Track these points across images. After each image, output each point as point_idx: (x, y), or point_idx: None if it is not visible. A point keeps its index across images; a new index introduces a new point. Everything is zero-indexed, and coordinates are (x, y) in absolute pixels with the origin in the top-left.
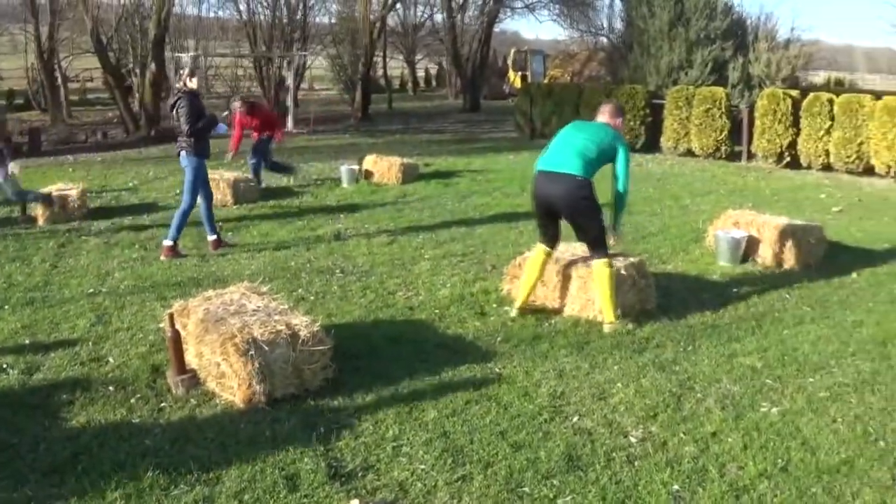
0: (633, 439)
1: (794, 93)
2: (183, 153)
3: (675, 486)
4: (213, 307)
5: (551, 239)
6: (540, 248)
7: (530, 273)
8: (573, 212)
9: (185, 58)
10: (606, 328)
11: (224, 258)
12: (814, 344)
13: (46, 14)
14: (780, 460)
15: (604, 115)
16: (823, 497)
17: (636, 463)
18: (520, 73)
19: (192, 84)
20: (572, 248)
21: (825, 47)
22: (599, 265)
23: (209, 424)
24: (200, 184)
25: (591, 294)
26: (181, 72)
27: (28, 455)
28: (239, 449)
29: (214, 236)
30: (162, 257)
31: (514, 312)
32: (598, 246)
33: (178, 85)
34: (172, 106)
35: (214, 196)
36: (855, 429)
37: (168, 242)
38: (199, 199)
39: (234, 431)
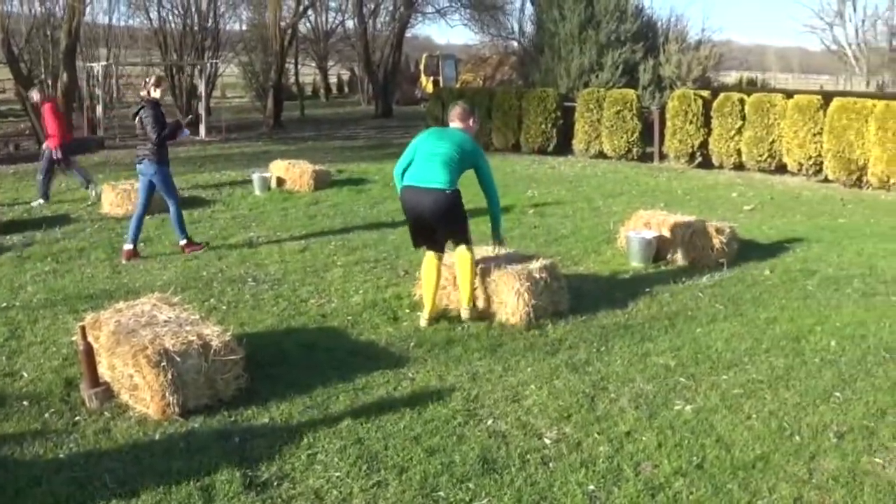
0: (547, 441)
1: (705, 93)
2: (146, 161)
3: (591, 487)
4: (125, 319)
5: (435, 245)
6: (429, 255)
7: (427, 280)
8: (443, 221)
9: (97, 67)
10: (464, 313)
11: (136, 269)
12: (727, 341)
13: None
14: (694, 458)
15: (455, 122)
16: (739, 493)
17: (551, 464)
18: (432, 78)
19: (156, 93)
20: (483, 251)
21: (737, 48)
22: (462, 250)
23: (124, 437)
24: (143, 191)
25: (503, 297)
26: (146, 80)
27: None
28: (154, 461)
29: (131, 246)
30: (187, 251)
31: (423, 322)
32: (462, 240)
33: (142, 93)
34: (135, 114)
35: (124, 206)
36: (770, 424)
37: (182, 242)
38: (141, 202)
39: (148, 443)
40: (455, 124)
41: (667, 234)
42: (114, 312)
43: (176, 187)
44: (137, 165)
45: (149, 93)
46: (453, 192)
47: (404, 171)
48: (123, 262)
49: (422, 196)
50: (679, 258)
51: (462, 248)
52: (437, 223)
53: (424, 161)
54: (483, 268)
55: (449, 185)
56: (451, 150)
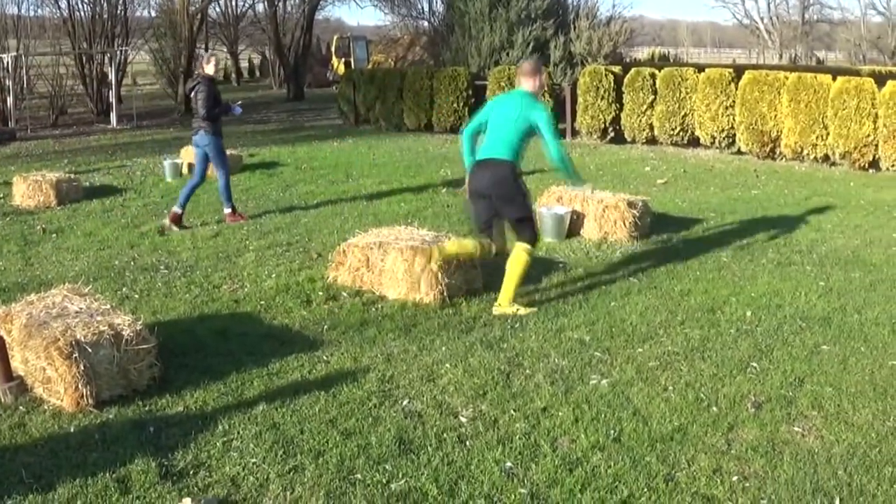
0: (463, 419)
1: (616, 69)
2: (202, 133)
3: (508, 464)
4: (36, 311)
5: (486, 230)
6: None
7: (462, 246)
8: (500, 194)
9: (7, 58)
10: (496, 310)
11: (48, 260)
12: (642, 314)
13: None
14: (612, 431)
15: (522, 80)
16: (658, 465)
17: (468, 442)
18: (343, 60)
19: (209, 70)
20: (396, 231)
21: (648, 23)
22: (519, 248)
23: (39, 431)
24: (200, 162)
25: (417, 277)
26: (200, 58)
27: None
28: (69, 454)
29: (179, 210)
30: (229, 221)
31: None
32: (523, 226)
33: (197, 70)
34: (191, 90)
35: (37, 197)
36: (686, 396)
37: (227, 211)
38: (197, 172)
39: (64, 436)
40: (525, 85)
41: (579, 209)
42: (25, 305)
43: (227, 159)
44: (193, 137)
45: (202, 69)
46: (512, 163)
47: (472, 134)
48: (166, 223)
49: (481, 169)
50: (592, 233)
51: (520, 246)
52: (494, 195)
53: (491, 133)
54: (396, 248)
55: (511, 157)
56: (517, 121)
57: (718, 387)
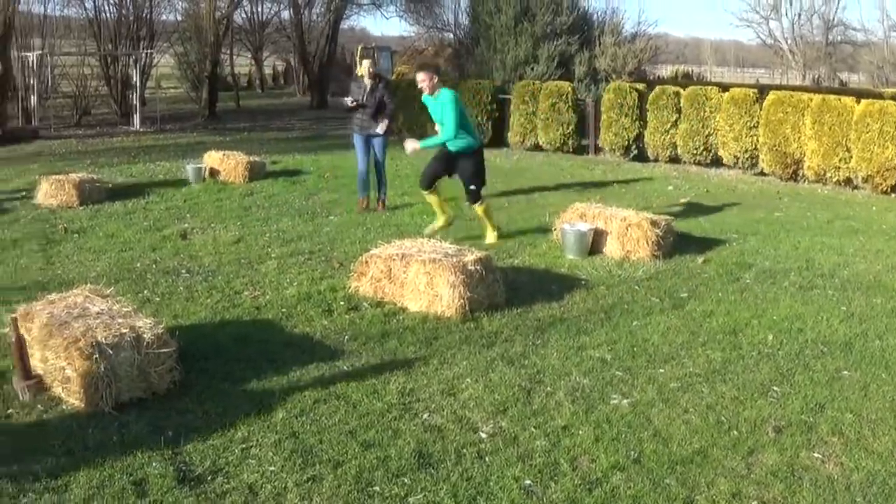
0: (483, 435)
1: (641, 86)
2: None
3: (527, 481)
4: (57, 311)
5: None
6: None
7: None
8: None
9: (32, 57)
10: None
11: (69, 260)
12: (664, 335)
13: None
14: (632, 452)
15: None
16: (678, 488)
17: (487, 458)
18: None
19: (358, 70)
20: (419, 243)
21: (673, 41)
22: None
23: (56, 430)
24: (357, 152)
25: (439, 290)
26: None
27: None
28: (87, 455)
29: (360, 197)
30: (380, 209)
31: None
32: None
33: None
34: None
35: (59, 196)
36: (707, 418)
37: (360, 198)
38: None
39: (81, 437)
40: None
41: (602, 226)
42: (46, 304)
43: (359, 153)
44: None
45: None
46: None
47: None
48: (380, 211)
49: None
50: (615, 251)
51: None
52: None
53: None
54: (418, 261)
55: None
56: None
57: (739, 410)
